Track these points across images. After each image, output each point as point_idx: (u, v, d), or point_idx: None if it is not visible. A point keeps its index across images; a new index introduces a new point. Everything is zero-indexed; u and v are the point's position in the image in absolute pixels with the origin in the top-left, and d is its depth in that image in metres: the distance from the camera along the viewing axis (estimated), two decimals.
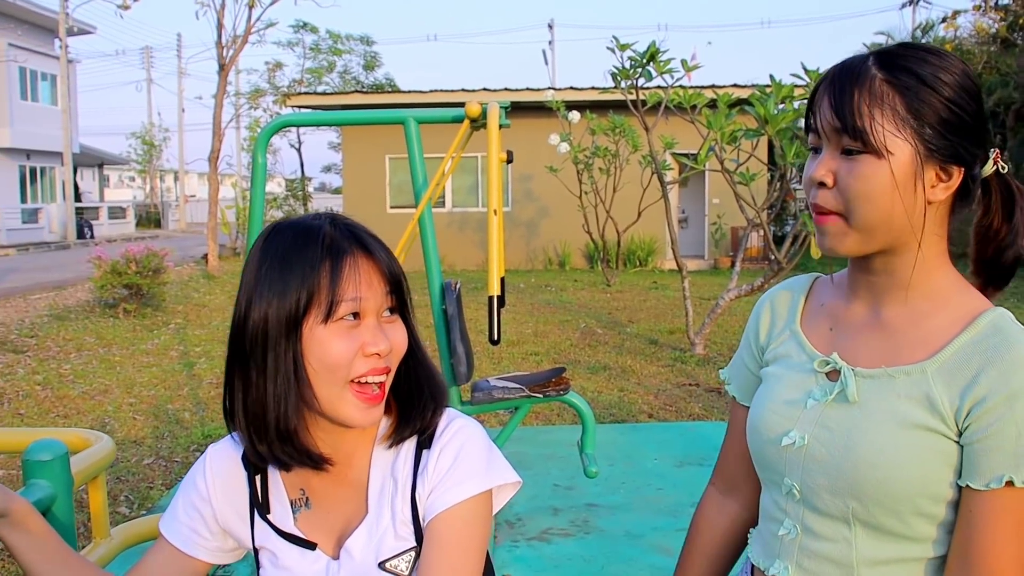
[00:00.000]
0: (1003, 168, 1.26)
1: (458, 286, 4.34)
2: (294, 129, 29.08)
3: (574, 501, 5.16)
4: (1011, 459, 1.12)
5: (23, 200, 33.83)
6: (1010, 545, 1.14)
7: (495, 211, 3.85)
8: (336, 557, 1.30)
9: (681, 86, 9.46)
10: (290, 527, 1.32)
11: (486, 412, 4.57)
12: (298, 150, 30.17)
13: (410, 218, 4.30)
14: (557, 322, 12.07)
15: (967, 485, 1.16)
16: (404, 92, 22.72)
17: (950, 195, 1.22)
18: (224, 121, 18.91)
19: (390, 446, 1.30)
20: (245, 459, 1.34)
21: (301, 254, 1.19)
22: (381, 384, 1.23)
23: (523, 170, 19.58)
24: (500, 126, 4.04)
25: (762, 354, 1.45)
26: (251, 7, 18.09)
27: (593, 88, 18.41)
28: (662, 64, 9.07)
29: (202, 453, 5.39)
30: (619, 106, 12.84)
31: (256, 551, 1.35)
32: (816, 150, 1.26)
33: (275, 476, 1.34)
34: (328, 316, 1.18)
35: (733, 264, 9.84)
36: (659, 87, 9.85)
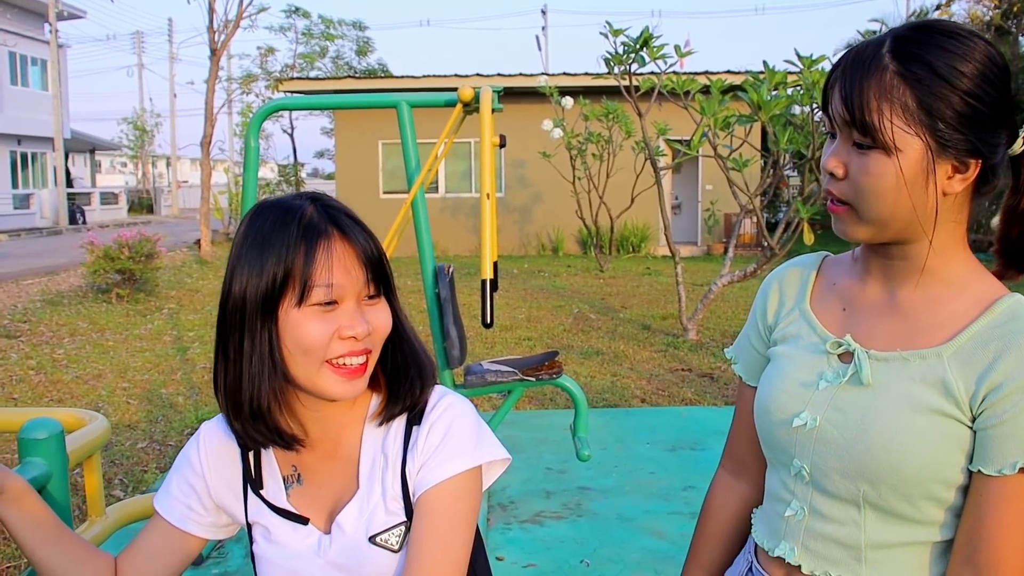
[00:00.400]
0: None
1: (451, 270, 4.35)
2: (287, 114, 28.98)
3: (567, 484, 5.19)
4: None
5: (14, 186, 33.68)
6: (1018, 531, 1.14)
7: (488, 195, 3.85)
8: (328, 532, 1.31)
9: (674, 72, 9.46)
10: (283, 502, 1.33)
11: (479, 395, 4.59)
12: (291, 135, 30.06)
13: (403, 204, 4.31)
14: (550, 307, 12.09)
15: (979, 470, 1.15)
16: (397, 77, 22.65)
17: (969, 183, 1.19)
18: (216, 106, 18.83)
19: (380, 423, 1.31)
20: (238, 435, 1.35)
21: (280, 234, 1.20)
22: (362, 362, 1.23)
23: (516, 156, 19.56)
24: (493, 110, 4.05)
25: (770, 333, 1.43)
26: None
27: (586, 74, 18.39)
28: (655, 50, 9.06)
29: None
30: (612, 92, 12.83)
31: (249, 526, 1.36)
32: (833, 135, 1.24)
33: (268, 452, 1.35)
34: (302, 300, 1.18)
35: (726, 250, 9.86)
36: (652, 73, 9.85)
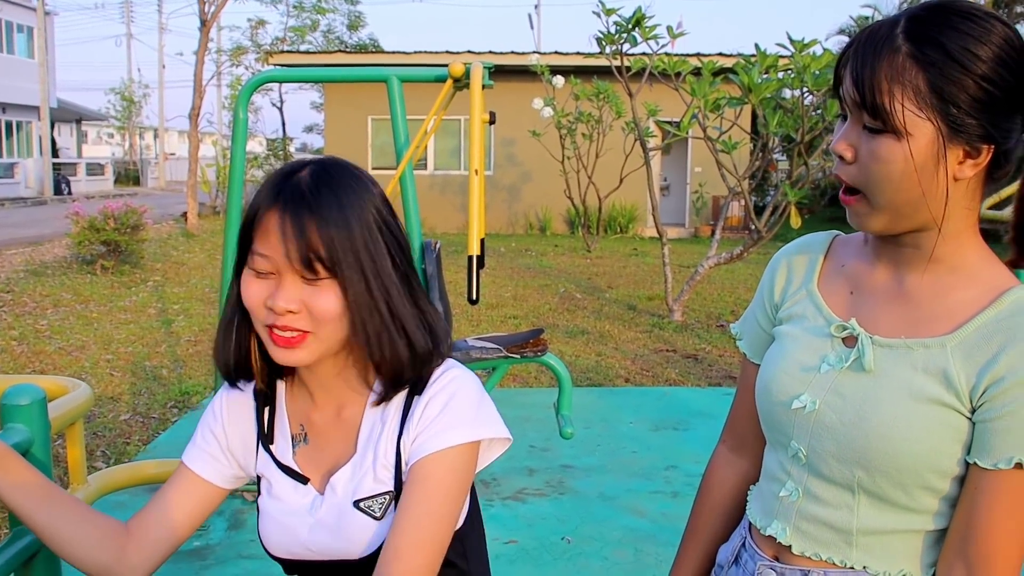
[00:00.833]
0: None
1: (438, 246, 4.34)
2: (276, 88, 28.80)
3: (550, 462, 5.21)
4: (1023, 441, 1.11)
5: None
6: (1011, 525, 1.13)
7: (476, 171, 3.85)
8: (322, 492, 1.34)
9: (666, 53, 9.43)
10: (288, 460, 1.36)
11: None
12: (280, 109, 29.92)
13: (391, 179, 4.29)
14: (537, 286, 12.10)
15: (975, 463, 1.14)
16: (388, 53, 22.51)
17: (981, 169, 1.16)
18: (205, 78, 18.69)
19: (377, 403, 1.31)
20: (255, 392, 1.39)
21: (262, 190, 1.25)
22: (299, 335, 1.22)
23: (506, 134, 19.51)
24: (483, 86, 4.03)
25: (776, 312, 1.41)
26: None
27: (578, 53, 18.28)
28: (647, 30, 9.04)
29: (179, 410, 5.40)
30: (604, 72, 12.78)
31: (258, 478, 1.40)
32: (842, 116, 1.22)
33: (281, 410, 1.39)
34: (246, 260, 1.24)
35: (713, 232, 9.88)
36: (644, 54, 9.83)
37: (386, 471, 1.30)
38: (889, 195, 1.15)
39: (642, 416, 6.18)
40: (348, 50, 29.75)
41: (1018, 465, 1.11)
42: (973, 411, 1.15)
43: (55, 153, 36.84)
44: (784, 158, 18.07)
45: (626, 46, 9.43)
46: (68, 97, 42.31)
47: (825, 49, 8.17)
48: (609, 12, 9.25)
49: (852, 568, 1.25)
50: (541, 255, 15.91)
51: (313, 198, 1.20)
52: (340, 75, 4.90)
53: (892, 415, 1.17)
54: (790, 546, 1.30)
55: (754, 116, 9.93)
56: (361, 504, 1.29)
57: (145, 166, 47.46)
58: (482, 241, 4.02)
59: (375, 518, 1.29)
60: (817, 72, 7.74)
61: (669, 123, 9.51)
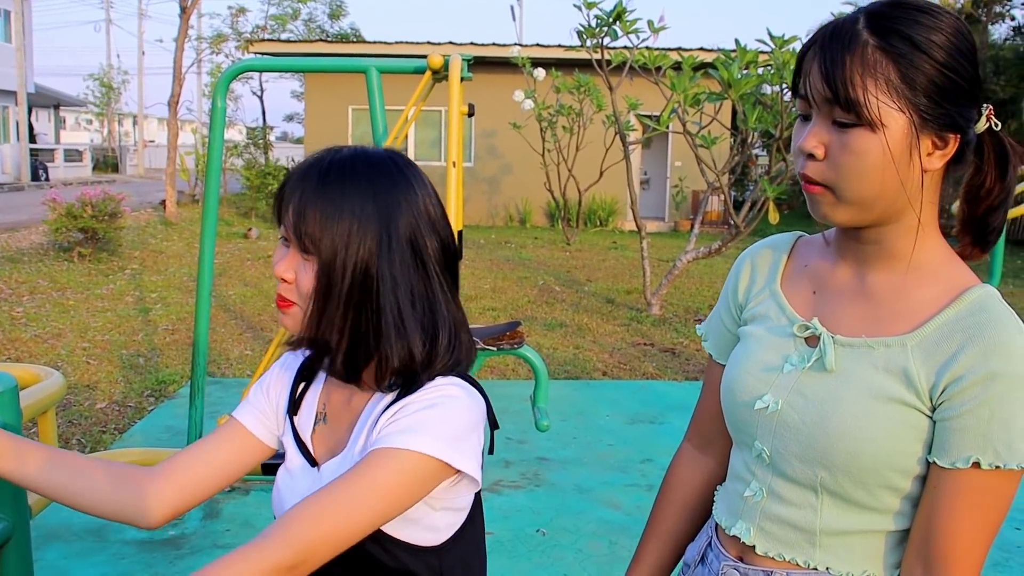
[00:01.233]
0: (996, 125, 1.20)
1: None
2: (257, 76, 28.62)
3: (526, 455, 5.23)
4: (981, 441, 1.11)
5: None
6: (971, 525, 1.14)
7: (454, 163, 3.85)
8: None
9: (647, 47, 9.46)
10: (306, 436, 1.39)
11: None
12: (260, 98, 29.74)
13: None
14: (515, 279, 12.11)
15: (934, 462, 1.15)
16: (369, 43, 22.41)
17: (947, 160, 1.17)
18: (185, 66, 18.57)
19: (370, 394, 1.33)
20: (301, 366, 1.43)
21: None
22: (288, 303, 1.29)
23: (486, 126, 19.48)
24: (462, 79, 4.03)
25: (740, 312, 1.42)
26: None
27: (559, 46, 18.32)
28: (628, 24, 9.05)
29: (156, 399, 5.37)
30: (585, 65, 12.81)
31: (282, 443, 1.45)
32: (805, 117, 1.21)
33: (317, 385, 1.42)
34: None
35: (692, 227, 9.92)
36: (625, 47, 9.84)
37: None
38: (861, 189, 1.15)
39: (619, 409, 6.21)
40: (329, 39, 29.61)
41: (975, 464, 1.11)
42: (933, 410, 1.16)
43: (32, 139, 36.48)
44: (764, 153, 18.16)
45: (607, 39, 9.44)
46: (46, 82, 41.89)
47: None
48: (590, 5, 9.26)
49: (815, 569, 1.25)
50: (520, 247, 15.91)
51: (320, 178, 1.25)
52: (319, 65, 4.89)
53: (853, 414, 1.18)
54: (754, 546, 1.30)
55: (734, 112, 9.97)
56: None
57: (124, 153, 47.07)
58: (460, 233, 4.03)
59: None
60: None
61: (649, 117, 9.53)
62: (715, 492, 1.47)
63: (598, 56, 9.80)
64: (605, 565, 3.89)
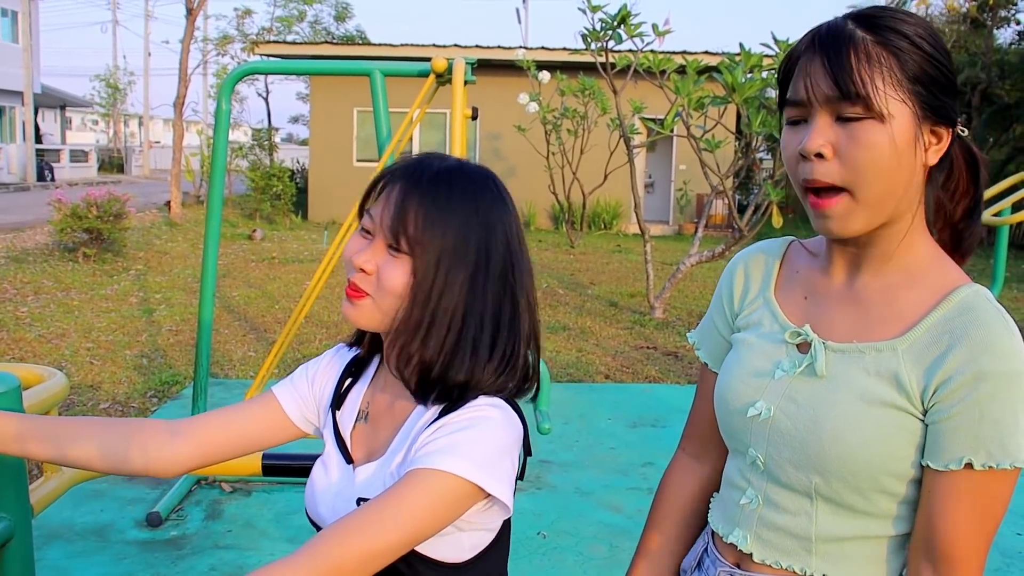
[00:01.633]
0: (962, 132, 1.22)
1: None
2: (262, 78, 28.65)
3: None
4: (972, 441, 1.11)
5: None
6: (970, 525, 1.14)
7: None
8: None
9: (651, 51, 9.46)
10: (346, 433, 1.39)
11: None
12: (265, 99, 29.76)
13: (374, 172, 4.30)
14: None
15: (928, 465, 1.15)
16: (374, 45, 22.42)
17: (942, 154, 1.20)
18: (191, 67, 18.60)
19: (417, 403, 1.31)
20: (351, 362, 1.44)
21: (399, 161, 1.34)
22: (361, 294, 1.27)
23: (491, 128, 19.50)
24: (465, 82, 4.05)
25: (734, 319, 1.41)
26: None
27: (564, 49, 18.32)
28: (633, 27, 9.07)
29: (159, 400, 5.38)
30: (590, 68, 12.79)
31: (323, 434, 1.45)
32: (795, 123, 1.21)
33: (364, 383, 1.43)
34: (361, 216, 1.32)
35: (696, 230, 9.92)
36: (630, 51, 9.85)
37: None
38: (876, 182, 1.14)
39: (621, 413, 6.21)
40: (335, 41, 29.64)
41: (968, 465, 1.12)
42: (925, 413, 1.16)
43: (38, 139, 36.55)
44: (768, 157, 18.15)
45: (611, 43, 9.45)
46: (52, 83, 42.02)
47: None
48: (595, 9, 9.27)
49: None
50: None
51: (430, 182, 1.26)
52: (323, 68, 4.91)
53: (845, 419, 1.18)
54: (751, 554, 1.31)
55: (738, 115, 9.98)
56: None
57: (129, 154, 47.12)
58: None
59: None
60: None
61: (654, 120, 9.54)
62: (711, 500, 1.47)
63: (603, 59, 9.81)
64: (605, 568, 3.90)
